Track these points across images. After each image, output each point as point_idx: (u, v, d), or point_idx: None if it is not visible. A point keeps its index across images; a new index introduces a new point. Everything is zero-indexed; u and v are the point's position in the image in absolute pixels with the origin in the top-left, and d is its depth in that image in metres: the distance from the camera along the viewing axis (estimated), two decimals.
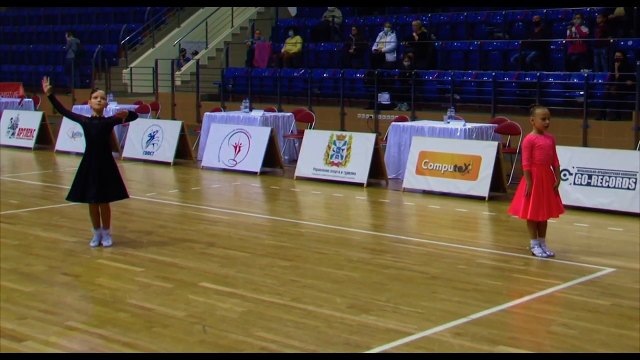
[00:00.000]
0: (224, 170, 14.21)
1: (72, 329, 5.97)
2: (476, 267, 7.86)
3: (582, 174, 10.67)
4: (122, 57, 25.83)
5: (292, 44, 21.77)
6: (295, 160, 14.00)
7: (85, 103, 19.78)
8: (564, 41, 17.71)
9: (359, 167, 12.70)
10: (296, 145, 15.13)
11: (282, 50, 21.90)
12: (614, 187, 10.39)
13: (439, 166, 11.87)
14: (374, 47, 20.11)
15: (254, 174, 13.72)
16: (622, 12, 17.70)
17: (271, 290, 6.98)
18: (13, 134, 18.02)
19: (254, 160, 13.89)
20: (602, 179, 10.55)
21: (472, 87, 17.95)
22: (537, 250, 8.10)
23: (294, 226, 9.95)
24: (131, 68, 24.44)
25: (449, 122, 13.04)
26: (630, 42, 16.98)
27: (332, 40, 21.90)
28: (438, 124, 13.11)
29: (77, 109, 18.56)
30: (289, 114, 15.93)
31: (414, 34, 19.33)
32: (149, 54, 25.19)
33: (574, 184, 10.71)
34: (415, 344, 5.69)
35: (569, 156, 10.56)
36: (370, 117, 17.92)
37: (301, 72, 20.62)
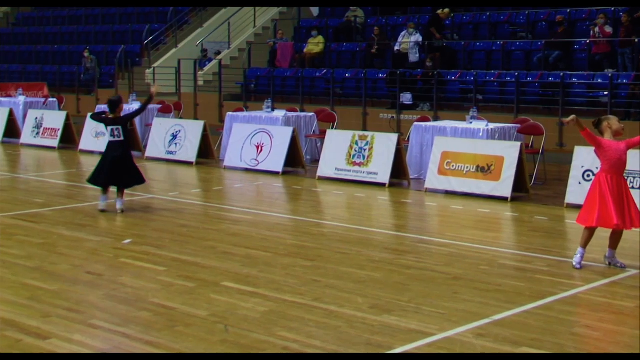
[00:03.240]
0: (246, 170, 14.25)
1: (96, 327, 6.01)
2: (498, 268, 7.82)
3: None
4: (145, 57, 25.96)
5: (315, 44, 21.79)
6: (317, 160, 14.01)
7: None
8: (587, 41, 17.59)
9: (381, 167, 12.68)
10: (318, 145, 15.13)
11: (305, 50, 21.92)
12: (638, 188, 10.29)
13: (462, 166, 11.82)
14: (396, 47, 20.09)
15: (276, 173, 13.74)
16: None
17: (293, 290, 6.99)
18: (38, 133, 18.16)
19: (276, 160, 13.90)
20: (626, 179, 10.43)
21: (494, 87, 17.88)
22: (575, 258, 7.74)
23: (316, 226, 9.96)
24: (154, 68, 24.55)
25: (471, 123, 12.98)
26: None
27: (354, 40, 21.89)
28: (460, 124, 13.06)
29: (100, 109, 18.72)
30: (311, 114, 15.93)
31: (439, 12, 19.38)
32: (171, 54, 25.30)
33: None
34: (437, 345, 5.67)
35: (592, 157, 10.46)
36: (393, 117, 17.90)
37: (323, 72, 20.63)
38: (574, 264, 7.71)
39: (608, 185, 7.58)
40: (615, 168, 7.65)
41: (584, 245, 7.72)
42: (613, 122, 7.79)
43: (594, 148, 7.82)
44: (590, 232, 7.68)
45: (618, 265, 7.74)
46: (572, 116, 7.76)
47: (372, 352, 5.52)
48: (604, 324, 6.20)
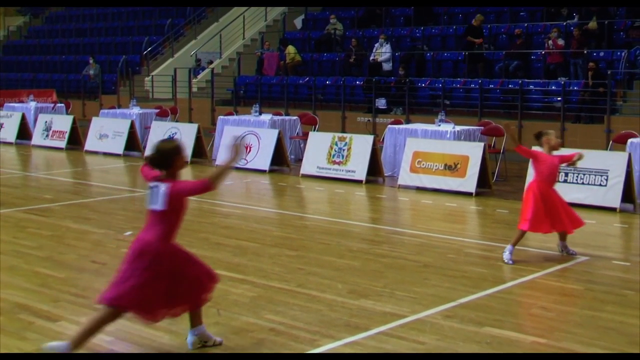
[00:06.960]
0: (236, 169, 14.20)
1: None
2: (464, 256, 7.86)
3: (559, 172, 10.63)
4: (144, 66, 25.87)
5: (287, 53, 21.83)
6: (301, 160, 13.99)
7: (112, 108, 19.85)
8: (543, 52, 17.71)
9: (358, 166, 12.69)
10: (301, 145, 15.11)
11: (285, 60, 21.89)
12: (588, 184, 10.39)
13: (431, 165, 11.86)
14: (371, 57, 20.11)
15: (263, 171, 13.73)
16: (595, 26, 17.73)
17: (279, 277, 7.00)
18: (47, 135, 18.04)
19: (263, 159, 13.88)
20: (577, 176, 10.55)
21: (460, 93, 17.95)
22: (505, 255, 7.54)
23: (299, 219, 9.96)
24: (152, 76, 24.47)
25: (439, 125, 13.03)
26: (602, 53, 17.00)
27: (334, 51, 21.90)
28: (430, 127, 13.11)
29: (103, 113, 18.63)
30: (294, 117, 15.92)
31: (474, 22, 19.16)
32: (168, 64, 25.22)
33: None
34: (409, 326, 5.70)
35: None
36: (369, 120, 17.93)
37: (306, 80, 20.63)
38: (505, 260, 7.46)
39: (540, 194, 7.48)
40: (547, 181, 7.57)
41: (514, 244, 7.55)
42: (551, 137, 7.65)
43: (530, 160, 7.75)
44: (522, 234, 7.55)
45: (570, 252, 7.80)
46: (513, 128, 7.64)
47: (351, 333, 5.54)
48: (558, 305, 6.25)
